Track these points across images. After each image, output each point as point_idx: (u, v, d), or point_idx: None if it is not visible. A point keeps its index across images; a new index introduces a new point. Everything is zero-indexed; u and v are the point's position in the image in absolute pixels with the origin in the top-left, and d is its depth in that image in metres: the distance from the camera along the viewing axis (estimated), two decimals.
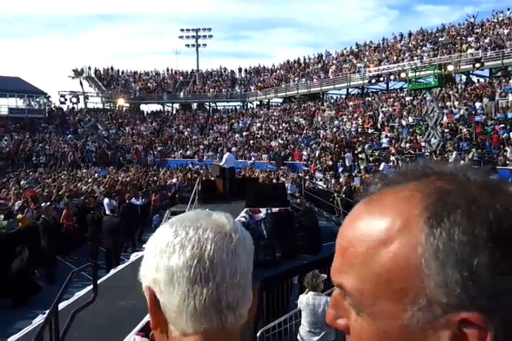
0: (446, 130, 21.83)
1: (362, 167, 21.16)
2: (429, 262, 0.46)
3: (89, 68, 44.43)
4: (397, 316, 0.47)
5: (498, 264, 0.45)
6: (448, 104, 25.21)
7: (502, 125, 20.53)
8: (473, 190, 0.48)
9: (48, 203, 12.11)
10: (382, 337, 0.49)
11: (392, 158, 20.87)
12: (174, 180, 18.27)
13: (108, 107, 38.26)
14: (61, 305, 5.21)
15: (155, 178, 19.14)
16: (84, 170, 23.52)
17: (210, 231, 0.71)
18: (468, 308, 0.45)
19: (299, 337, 5.54)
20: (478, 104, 23.49)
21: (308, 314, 5.37)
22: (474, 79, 30.34)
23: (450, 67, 21.70)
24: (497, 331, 0.45)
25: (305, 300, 5.42)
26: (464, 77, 30.49)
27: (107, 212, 12.88)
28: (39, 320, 5.35)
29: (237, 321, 0.72)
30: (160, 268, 0.70)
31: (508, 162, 17.75)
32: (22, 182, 17.43)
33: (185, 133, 37.66)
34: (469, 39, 30.74)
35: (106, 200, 13.41)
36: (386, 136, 24.04)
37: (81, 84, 38.59)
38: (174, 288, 0.70)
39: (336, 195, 15.79)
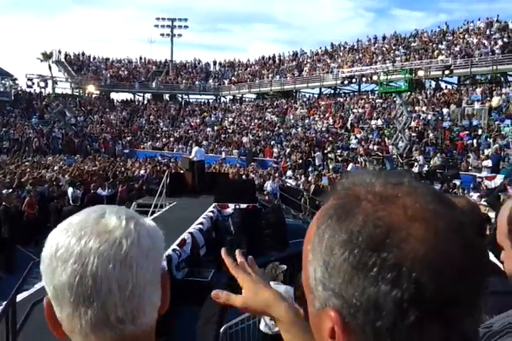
0: (413, 134, 22.34)
1: (331, 166, 21.43)
2: (310, 258, 0.56)
3: (60, 52, 43.04)
4: (310, 304, 0.57)
5: (347, 268, 0.50)
6: (416, 108, 25.79)
7: (467, 132, 21.17)
8: (357, 204, 0.54)
9: (10, 190, 11.72)
10: (311, 323, 0.59)
11: (360, 158, 21.22)
12: (142, 172, 18.01)
13: (77, 93, 37.33)
14: (20, 296, 5.07)
15: (122, 169, 18.80)
16: (49, 158, 22.87)
17: (95, 240, 0.65)
18: (334, 305, 0.52)
19: (261, 326, 5.55)
20: (445, 110, 24.13)
21: None
22: (443, 85, 31.15)
23: (420, 73, 22.18)
24: (364, 334, 0.50)
25: None
26: (433, 83, 31.25)
27: (70, 201, 12.61)
28: None
29: (139, 326, 0.68)
30: (47, 283, 0.67)
31: (470, 168, 18.32)
32: None
33: (156, 124, 37.15)
34: (440, 46, 31.51)
35: (70, 189, 13.11)
36: (355, 137, 24.39)
37: (50, 68, 37.43)
38: (61, 307, 0.66)
39: (304, 193, 15.94)
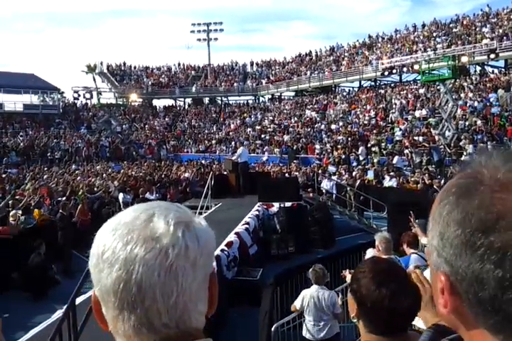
0: (460, 122, 21.55)
1: (375, 160, 21.01)
2: (430, 227, 0.62)
3: (102, 63, 44.66)
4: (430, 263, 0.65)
5: (458, 243, 0.56)
6: (462, 95, 24.86)
7: None
8: (477, 187, 0.58)
9: (64, 198, 12.28)
10: (432, 278, 0.66)
11: (405, 151, 20.69)
12: (187, 175, 18.37)
13: (121, 102, 38.46)
14: (79, 299, 5.30)
15: (168, 173, 19.24)
16: (98, 166, 23.74)
17: (141, 247, 0.65)
18: (444, 270, 0.59)
19: (304, 332, 5.56)
20: (493, 96, 23.11)
21: (312, 308, 5.39)
22: (489, 70, 29.84)
23: (464, 59, 21.32)
24: (468, 299, 0.56)
25: (309, 293, 5.43)
26: (478, 68, 30.01)
27: (122, 206, 13.02)
28: (58, 314, 5.45)
29: (185, 330, 0.67)
30: (95, 281, 0.68)
31: None
32: (44, 177, 17.67)
33: (198, 127, 37.75)
34: (484, 29, 30.21)
35: (121, 195, 13.54)
36: (400, 129, 23.80)
37: (94, 79, 38.83)
38: (106, 308, 0.68)
39: (348, 188, 15.73)
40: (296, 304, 5.51)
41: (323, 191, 16.01)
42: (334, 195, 15.70)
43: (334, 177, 17.57)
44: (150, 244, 0.65)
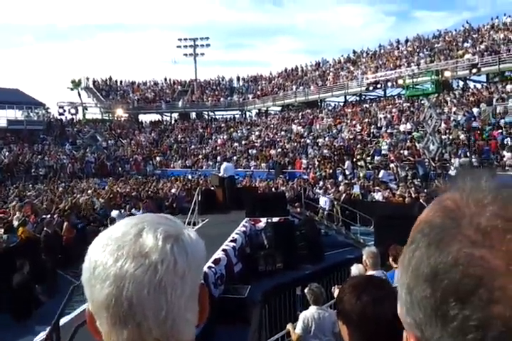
0: (444, 136, 21.92)
1: (361, 174, 21.19)
2: (401, 270, 0.51)
3: (88, 79, 44.64)
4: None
5: (427, 307, 0.46)
6: (446, 110, 25.32)
7: (500, 130, 20.62)
8: (453, 234, 0.48)
9: (49, 216, 12.13)
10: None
11: (391, 165, 20.92)
12: (173, 190, 18.32)
13: (107, 118, 38.45)
14: (63, 320, 5.22)
15: (155, 189, 19.14)
16: (84, 183, 23.53)
17: (131, 263, 0.66)
18: (415, 334, 0.49)
19: None
20: (475, 110, 23.60)
21: (313, 330, 5.28)
22: (471, 84, 30.51)
23: (447, 73, 21.80)
24: None
25: (309, 316, 5.33)
26: (461, 83, 30.67)
27: (108, 224, 12.87)
28: (41, 336, 5.35)
29: None
30: (88, 296, 0.69)
31: (507, 167, 17.79)
32: (28, 194, 17.46)
33: (184, 142, 37.76)
34: (465, 45, 30.98)
35: (115, 212, 13.34)
36: (385, 143, 24.10)
37: (79, 95, 38.72)
38: (100, 322, 0.69)
39: (335, 203, 15.81)
40: (297, 329, 5.21)
41: (319, 208, 15.87)
42: (327, 211, 15.72)
43: (320, 191, 17.65)
44: (139, 260, 0.66)
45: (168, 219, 0.74)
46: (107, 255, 0.67)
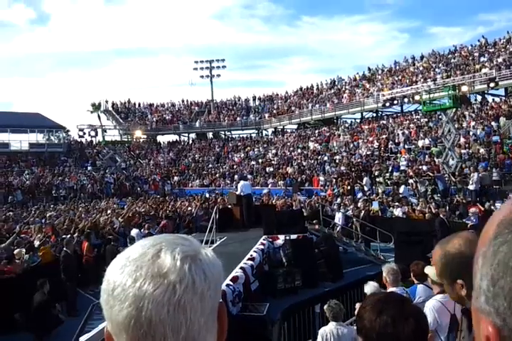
0: (463, 151, 21.68)
1: (380, 190, 21.01)
2: (480, 263, 0.53)
3: (107, 102, 45.72)
4: (474, 297, 0.55)
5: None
6: (464, 124, 25.11)
7: None
8: None
9: (69, 236, 12.29)
10: (472, 310, 0.57)
11: (410, 180, 20.72)
12: (191, 209, 18.43)
13: (126, 139, 39.07)
14: (82, 338, 5.25)
15: (173, 208, 19.27)
16: (103, 203, 23.83)
17: (150, 283, 0.67)
18: (494, 321, 0.50)
19: None
20: (494, 124, 23.35)
21: None
22: (489, 98, 30.27)
23: (464, 88, 21.70)
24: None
25: (328, 331, 5.30)
26: (479, 97, 30.45)
27: (128, 243, 12.96)
28: None
29: None
30: (107, 316, 0.70)
31: None
32: (49, 214, 17.75)
33: (202, 162, 38.08)
34: (482, 59, 30.87)
35: (135, 231, 13.45)
36: (403, 159, 23.93)
37: (99, 117, 39.60)
38: None
39: (355, 219, 15.68)
40: None
41: (334, 225, 15.73)
42: (341, 227, 15.61)
43: (335, 207, 17.53)
44: (158, 281, 0.67)
45: (185, 239, 0.75)
46: (126, 276, 0.68)
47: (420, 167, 21.76)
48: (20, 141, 37.95)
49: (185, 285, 0.67)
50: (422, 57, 37.72)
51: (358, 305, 4.19)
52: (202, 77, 49.57)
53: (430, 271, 4.62)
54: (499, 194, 17.01)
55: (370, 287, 5.11)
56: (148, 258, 0.69)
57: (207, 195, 26.43)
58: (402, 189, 19.70)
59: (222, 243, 11.92)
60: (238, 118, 45.02)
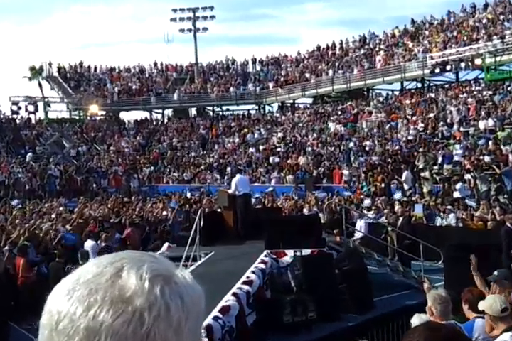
0: None
1: (426, 189, 21.05)
2: None
3: (51, 65, 45.54)
4: None
5: None
6: None
7: None
8: None
9: None
10: None
11: (467, 176, 20.75)
12: (165, 213, 18.47)
13: (76, 117, 39.15)
14: None
15: (141, 212, 19.30)
16: (45, 205, 23.84)
17: (108, 311, 0.66)
18: None
19: None
20: None
21: None
22: None
23: None
24: None
25: None
26: None
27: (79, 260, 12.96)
28: None
29: None
30: None
31: None
32: None
33: (181, 149, 38.08)
34: None
35: (90, 243, 13.48)
36: (458, 146, 23.95)
37: (40, 86, 39.63)
38: None
39: (390, 229, 15.73)
40: None
41: (356, 235, 15.88)
42: (366, 237, 15.67)
43: (369, 213, 17.59)
44: (119, 307, 0.66)
45: (152, 257, 0.76)
46: (75, 302, 0.67)
47: (481, 157, 21.78)
48: None
49: (157, 312, 0.67)
50: (485, 6, 37.62)
51: None
52: (182, 30, 49.47)
53: (486, 305, 4.63)
54: None
55: (418, 321, 5.12)
56: (105, 278, 0.69)
57: (188, 195, 26.48)
58: (458, 186, 19.74)
59: (208, 260, 11.97)
60: (232, 89, 44.97)
